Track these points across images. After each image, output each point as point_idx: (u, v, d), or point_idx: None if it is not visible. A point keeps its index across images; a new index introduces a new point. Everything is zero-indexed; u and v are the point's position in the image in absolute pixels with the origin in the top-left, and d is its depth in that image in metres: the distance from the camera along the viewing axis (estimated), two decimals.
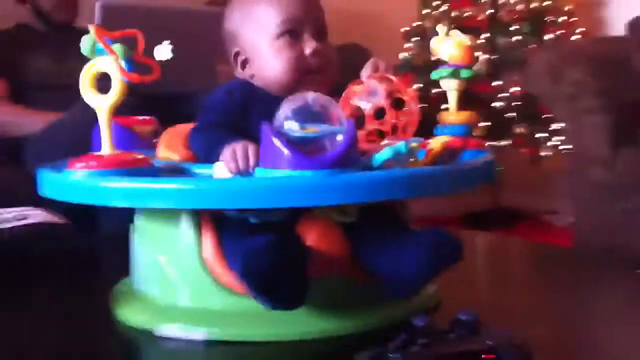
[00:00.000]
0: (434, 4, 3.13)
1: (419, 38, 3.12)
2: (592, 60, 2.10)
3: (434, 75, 0.93)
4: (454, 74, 0.91)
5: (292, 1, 0.94)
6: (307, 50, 0.92)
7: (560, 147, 2.64)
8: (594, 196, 2.08)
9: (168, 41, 1.84)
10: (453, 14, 3.06)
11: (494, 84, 2.89)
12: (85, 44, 0.79)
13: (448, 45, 0.92)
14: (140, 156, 0.80)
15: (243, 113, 0.90)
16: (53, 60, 1.99)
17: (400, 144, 0.74)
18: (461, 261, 0.78)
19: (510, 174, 3.21)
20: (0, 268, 0.97)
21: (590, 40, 2.72)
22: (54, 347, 0.80)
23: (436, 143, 0.80)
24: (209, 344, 0.77)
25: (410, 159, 0.77)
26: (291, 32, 0.92)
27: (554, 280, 1.06)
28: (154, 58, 0.85)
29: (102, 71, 0.78)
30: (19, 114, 1.94)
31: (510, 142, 2.86)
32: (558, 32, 2.89)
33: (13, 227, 1.05)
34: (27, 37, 2.07)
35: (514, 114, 2.83)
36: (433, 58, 0.97)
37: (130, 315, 0.84)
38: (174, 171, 0.83)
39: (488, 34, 2.96)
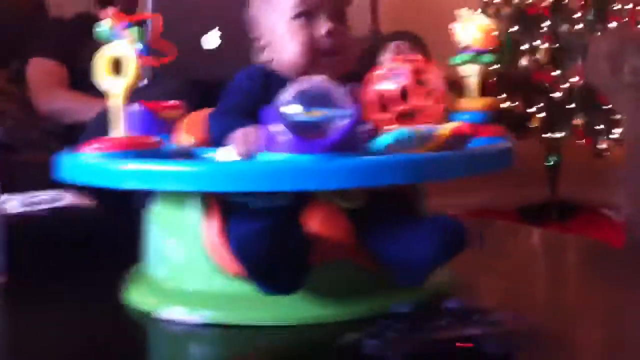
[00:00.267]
0: None
1: None
2: None
3: (455, 60, 0.92)
4: (476, 59, 0.90)
5: None
6: (322, 31, 0.93)
7: (620, 139, 2.55)
8: None
9: (217, 28, 1.87)
10: (515, 0, 2.98)
11: (553, 73, 2.81)
12: (101, 28, 0.81)
13: (471, 28, 0.90)
14: (152, 140, 0.82)
15: (263, 97, 0.91)
16: None
17: (403, 129, 0.74)
18: (467, 248, 0.76)
19: (569, 166, 3.13)
20: (27, 250, 1.01)
21: None
22: (61, 328, 0.82)
23: (444, 129, 0.78)
24: (211, 326, 0.78)
25: (419, 144, 0.76)
26: (307, 14, 0.94)
27: (590, 279, 1.03)
28: (172, 41, 0.87)
29: (118, 55, 0.80)
30: (78, 100, 2.00)
31: (570, 133, 2.78)
32: (623, 21, 2.78)
33: (41, 210, 1.09)
34: (87, 25, 2.13)
35: (573, 104, 2.75)
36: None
37: (137, 298, 0.86)
38: (184, 155, 0.84)
39: (550, 22, 2.88)
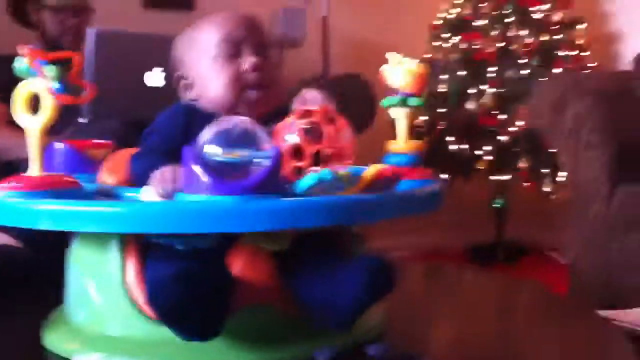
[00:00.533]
0: (444, 36, 3.12)
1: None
2: (594, 93, 2.06)
3: (384, 102, 0.91)
4: (403, 102, 0.90)
5: (230, 21, 0.97)
6: (246, 65, 0.94)
7: (565, 183, 2.60)
8: (592, 233, 2.02)
9: (161, 68, 1.86)
10: (462, 46, 3.04)
11: (500, 117, 2.86)
12: (20, 65, 0.79)
13: (398, 72, 0.90)
14: (69, 179, 0.79)
15: (186, 136, 0.90)
16: None
17: (324, 171, 0.73)
18: (394, 290, 0.75)
19: (516, 208, 3.16)
20: None
21: (594, 73, 2.68)
22: None
23: (369, 171, 0.78)
24: None
25: (341, 186, 0.75)
26: (230, 51, 0.95)
27: (534, 323, 1.03)
28: (87, 80, 0.85)
29: (34, 92, 0.78)
30: (17, 137, 1.96)
31: (516, 175, 2.83)
32: (568, 67, 2.85)
33: None
34: None
35: (519, 148, 2.79)
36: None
37: (57, 342, 0.83)
38: (104, 194, 0.82)
39: (497, 67, 2.94)
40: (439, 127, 2.90)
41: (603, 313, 1.05)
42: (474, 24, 3.06)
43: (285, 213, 0.69)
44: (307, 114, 0.85)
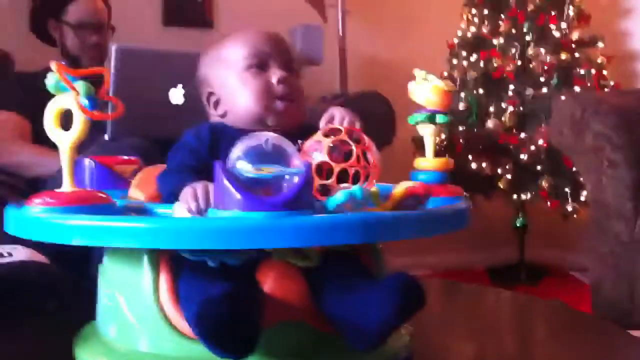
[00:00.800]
0: (463, 54, 3.13)
1: None
2: (616, 112, 2.05)
3: (411, 119, 0.91)
4: (430, 119, 0.89)
5: (257, 37, 0.98)
6: (274, 79, 0.95)
7: (586, 202, 2.58)
8: (615, 252, 2.00)
9: (181, 85, 1.87)
10: (481, 64, 3.04)
11: (520, 136, 2.85)
12: (50, 81, 0.79)
13: (425, 89, 0.90)
14: (102, 194, 0.80)
15: (212, 153, 0.90)
16: None
17: (355, 188, 0.72)
18: (424, 307, 0.74)
19: (537, 228, 3.14)
20: None
21: (614, 92, 2.67)
22: None
23: (399, 188, 0.77)
24: None
25: (371, 203, 0.75)
26: (258, 65, 0.96)
27: (558, 342, 1.02)
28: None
29: (65, 108, 0.79)
30: (41, 154, 1.97)
31: (536, 195, 2.81)
32: (587, 85, 2.85)
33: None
34: None
35: (539, 167, 2.78)
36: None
37: (89, 358, 0.82)
38: (135, 210, 0.82)
39: (514, 86, 2.94)
40: (459, 145, 2.89)
41: (632, 332, 1.03)
42: (492, 42, 3.06)
43: (316, 229, 0.69)
44: (333, 131, 0.84)
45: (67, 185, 0.79)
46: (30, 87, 2.14)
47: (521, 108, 2.90)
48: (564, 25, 2.97)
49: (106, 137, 1.73)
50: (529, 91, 2.92)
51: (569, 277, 3.07)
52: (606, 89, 2.83)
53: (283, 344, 0.77)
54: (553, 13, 2.98)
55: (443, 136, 2.89)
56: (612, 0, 3.27)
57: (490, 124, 2.92)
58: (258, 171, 0.71)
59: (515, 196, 2.86)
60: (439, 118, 0.89)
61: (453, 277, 3.08)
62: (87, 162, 0.99)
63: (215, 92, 0.98)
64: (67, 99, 0.77)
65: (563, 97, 2.41)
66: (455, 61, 3.15)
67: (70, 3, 2.22)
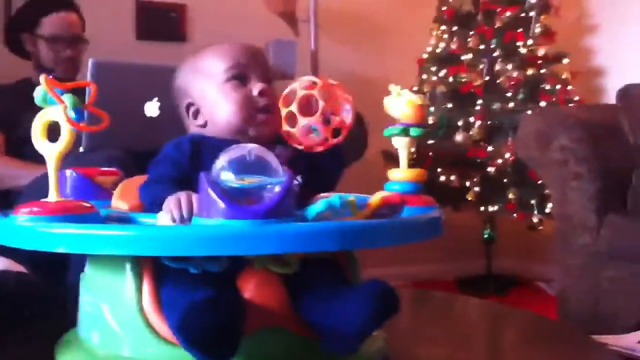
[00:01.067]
0: (433, 69, 3.19)
1: None
2: (580, 126, 2.12)
3: (386, 132, 0.95)
4: (405, 132, 0.93)
5: (237, 50, 1.00)
6: (255, 91, 0.97)
7: (552, 214, 2.64)
8: (580, 263, 2.06)
9: (157, 98, 1.88)
10: (450, 79, 3.11)
11: (488, 149, 2.91)
12: (38, 94, 0.82)
13: (399, 103, 0.94)
14: (86, 204, 0.82)
15: (193, 164, 0.92)
16: None
17: (334, 197, 0.76)
18: (397, 313, 0.78)
19: (505, 239, 3.20)
20: None
21: (579, 107, 2.74)
22: None
23: (375, 198, 0.81)
24: None
25: (349, 212, 0.78)
26: (238, 77, 0.98)
27: (514, 347, 1.05)
28: (110, 110, 0.88)
29: (53, 120, 0.81)
30: (14, 167, 1.98)
31: (504, 207, 2.86)
32: (553, 100, 2.92)
33: None
34: (27, 92, 2.12)
35: (506, 180, 2.84)
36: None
37: None
38: (120, 220, 0.84)
39: (482, 100, 3.00)
40: (428, 158, 2.94)
41: (598, 338, 1.08)
42: (461, 57, 3.13)
43: (297, 237, 0.72)
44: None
45: (53, 195, 0.81)
46: (4, 99, 2.16)
47: (489, 122, 2.96)
48: (530, 42, 3.04)
49: (81, 149, 1.74)
50: (497, 105, 2.99)
51: (535, 287, 3.13)
52: (571, 104, 2.90)
53: (264, 348, 0.80)
54: (520, 30, 3.05)
55: (412, 149, 2.94)
56: (577, 18, 3.36)
57: (458, 137, 2.98)
58: (241, 181, 0.74)
59: (483, 208, 2.92)
60: (413, 131, 0.93)
61: (423, 287, 3.12)
62: (69, 172, 1.01)
63: (194, 103, 1.00)
64: (55, 111, 0.79)
65: (529, 112, 2.48)
66: (425, 76, 3.21)
67: (45, 16, 2.23)
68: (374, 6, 3.43)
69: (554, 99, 2.94)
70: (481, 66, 3.10)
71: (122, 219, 0.85)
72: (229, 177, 0.74)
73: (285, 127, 0.93)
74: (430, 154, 2.97)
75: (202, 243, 0.71)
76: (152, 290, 0.80)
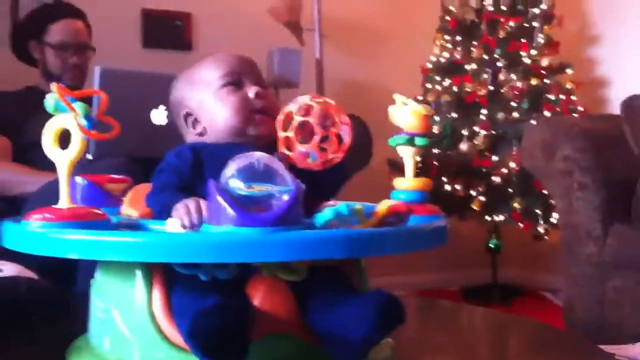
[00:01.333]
0: (437, 78, 3.20)
1: None
2: (584, 136, 2.12)
3: (391, 142, 0.96)
4: (410, 142, 0.94)
5: (230, 58, 1.03)
6: (251, 93, 1.00)
7: (557, 224, 2.64)
8: (586, 272, 2.06)
9: (164, 107, 1.89)
10: (454, 88, 3.12)
11: (493, 159, 2.92)
12: (49, 102, 0.83)
13: (405, 113, 0.95)
14: (97, 211, 0.83)
15: (195, 171, 0.94)
16: None
17: (341, 205, 0.77)
18: (403, 323, 0.78)
19: (510, 249, 3.20)
20: None
21: (583, 117, 2.75)
22: None
23: (382, 207, 0.82)
24: None
25: (356, 221, 0.79)
26: (233, 82, 1.01)
27: (520, 356, 1.06)
28: (117, 118, 0.89)
29: (64, 127, 0.82)
30: (21, 173, 1.99)
31: (509, 216, 2.86)
32: (557, 110, 2.93)
33: None
34: (33, 99, 2.15)
35: (512, 189, 2.85)
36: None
37: None
38: (130, 226, 0.85)
39: (487, 110, 3.01)
40: (433, 168, 2.95)
41: (605, 347, 1.08)
42: (465, 67, 3.14)
43: (305, 244, 0.73)
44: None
45: (64, 202, 0.82)
46: (11, 107, 2.17)
47: (493, 132, 2.97)
48: (534, 52, 3.05)
49: (89, 156, 1.75)
50: (501, 115, 3.00)
51: (541, 297, 3.13)
52: (575, 114, 2.91)
53: (271, 354, 0.80)
54: (523, 40, 3.06)
55: (418, 158, 2.94)
56: (580, 29, 3.37)
57: (463, 146, 2.99)
58: (250, 189, 0.75)
59: (488, 217, 2.92)
60: (418, 140, 0.94)
61: (428, 296, 3.12)
62: (79, 180, 1.02)
63: (192, 113, 1.02)
64: (66, 119, 0.80)
65: (534, 122, 2.48)
66: (429, 85, 3.22)
67: (52, 24, 2.24)
68: (378, 15, 3.45)
69: (557, 109, 2.94)
70: (485, 76, 3.11)
71: (134, 226, 0.86)
72: (238, 185, 0.75)
73: (283, 149, 0.93)
74: (435, 163, 2.98)
75: (212, 250, 0.72)
76: (163, 296, 0.81)
